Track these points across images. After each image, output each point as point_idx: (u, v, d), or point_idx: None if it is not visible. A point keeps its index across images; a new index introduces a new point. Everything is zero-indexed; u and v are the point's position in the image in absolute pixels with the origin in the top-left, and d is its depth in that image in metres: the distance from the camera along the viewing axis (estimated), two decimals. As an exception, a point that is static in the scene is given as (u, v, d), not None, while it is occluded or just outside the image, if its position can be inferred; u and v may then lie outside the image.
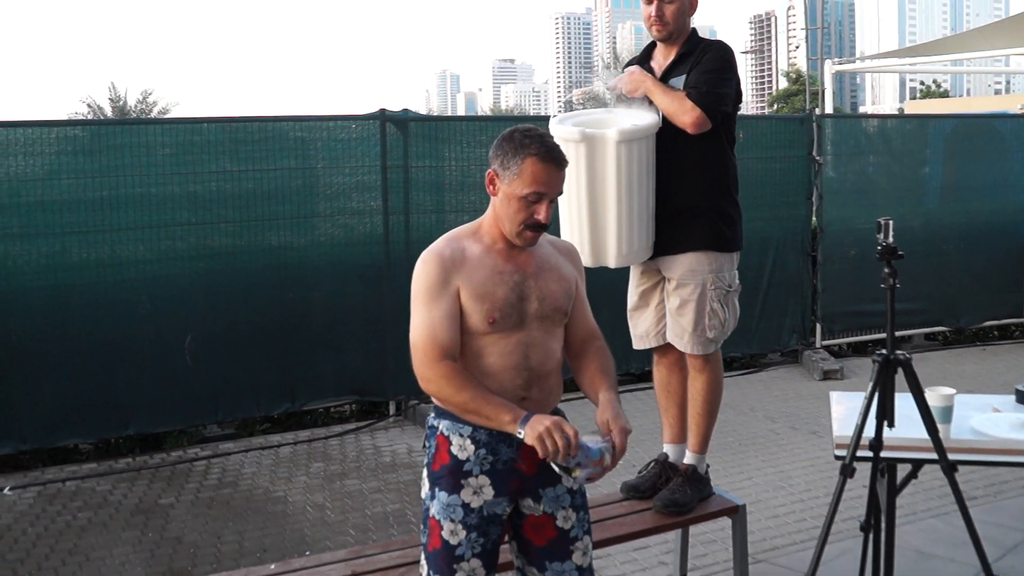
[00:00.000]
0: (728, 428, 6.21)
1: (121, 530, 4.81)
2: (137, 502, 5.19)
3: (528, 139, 2.49)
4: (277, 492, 5.32)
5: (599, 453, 2.40)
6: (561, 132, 3.41)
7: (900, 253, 2.92)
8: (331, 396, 6.54)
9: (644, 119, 3.46)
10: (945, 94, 69.43)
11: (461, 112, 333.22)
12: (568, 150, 3.40)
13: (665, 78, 3.55)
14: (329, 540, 4.66)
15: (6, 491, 5.34)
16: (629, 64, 3.72)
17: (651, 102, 3.51)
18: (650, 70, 3.61)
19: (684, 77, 3.48)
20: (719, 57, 3.47)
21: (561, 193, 2.56)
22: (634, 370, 7.41)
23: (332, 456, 5.94)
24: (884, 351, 3.05)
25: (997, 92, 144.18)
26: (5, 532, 4.79)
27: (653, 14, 3.51)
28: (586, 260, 3.37)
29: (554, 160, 2.50)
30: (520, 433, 2.39)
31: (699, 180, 3.50)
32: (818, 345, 8.17)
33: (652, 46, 3.71)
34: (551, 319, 2.59)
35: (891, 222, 2.93)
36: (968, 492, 4.96)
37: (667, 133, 3.45)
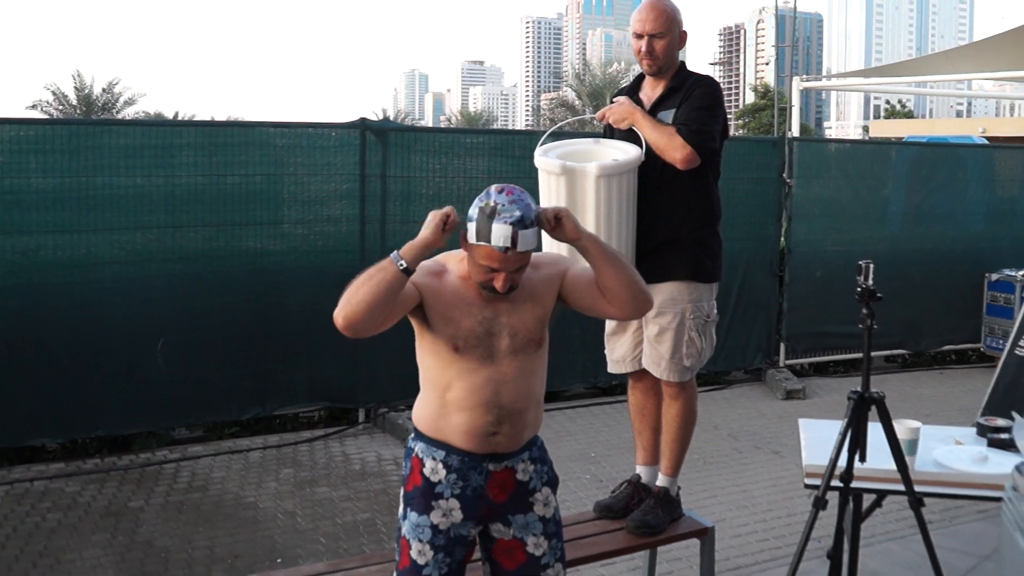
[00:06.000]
0: (693, 446, 6.17)
1: (91, 533, 4.81)
2: (107, 504, 5.18)
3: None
4: (247, 498, 5.34)
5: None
6: (543, 164, 3.50)
7: (879, 296, 3.00)
8: (302, 402, 6.57)
9: (627, 153, 3.53)
10: (910, 114, 70.42)
11: (428, 112, 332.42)
12: (549, 181, 3.49)
13: (654, 111, 3.61)
14: (300, 548, 4.69)
15: (-27, 490, 5.30)
16: (618, 94, 3.79)
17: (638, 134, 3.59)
18: (638, 102, 3.68)
19: (673, 111, 3.54)
20: (708, 94, 3.54)
21: (520, 269, 2.49)
22: (601, 384, 7.50)
23: (302, 462, 5.96)
24: (859, 389, 3.14)
25: (959, 114, 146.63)
26: (-27, 532, 4.77)
27: (643, 49, 3.58)
28: None
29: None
30: (400, 262, 2.40)
31: (683, 213, 3.57)
32: (782, 364, 8.30)
33: (641, 78, 3.78)
34: (525, 351, 2.59)
35: (871, 265, 3.02)
36: (924, 517, 5.09)
37: (653, 165, 3.51)
